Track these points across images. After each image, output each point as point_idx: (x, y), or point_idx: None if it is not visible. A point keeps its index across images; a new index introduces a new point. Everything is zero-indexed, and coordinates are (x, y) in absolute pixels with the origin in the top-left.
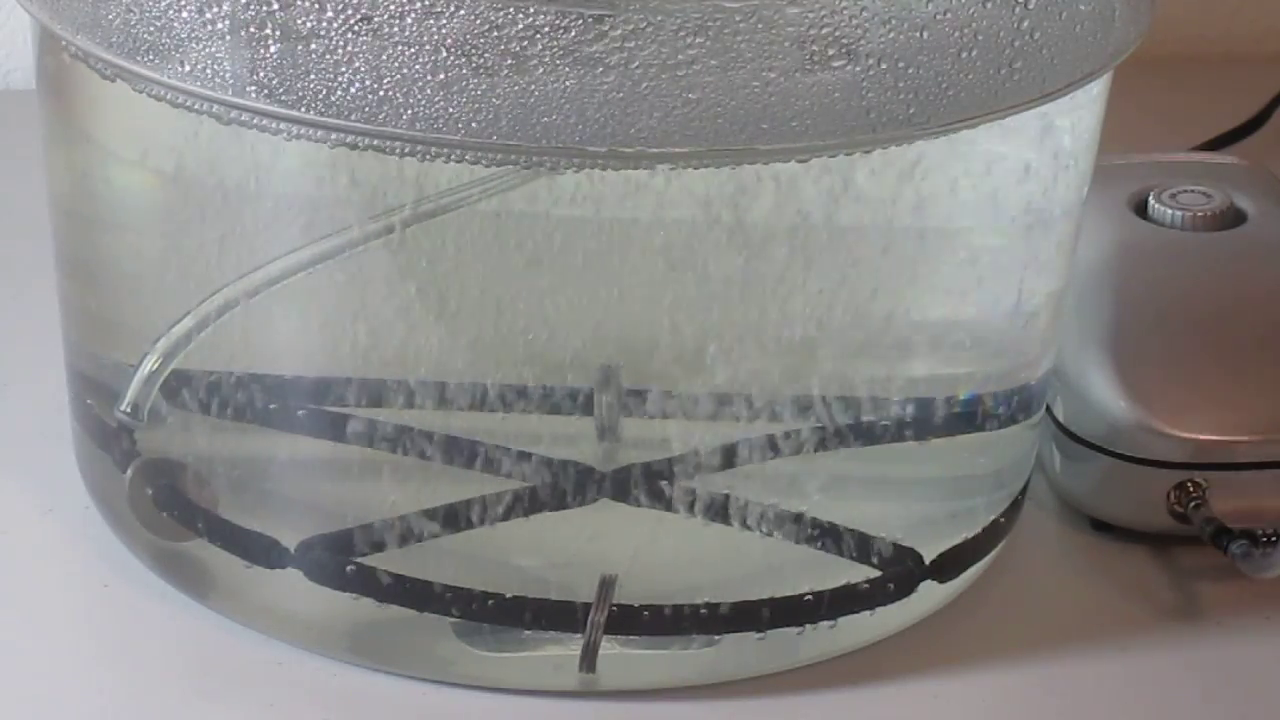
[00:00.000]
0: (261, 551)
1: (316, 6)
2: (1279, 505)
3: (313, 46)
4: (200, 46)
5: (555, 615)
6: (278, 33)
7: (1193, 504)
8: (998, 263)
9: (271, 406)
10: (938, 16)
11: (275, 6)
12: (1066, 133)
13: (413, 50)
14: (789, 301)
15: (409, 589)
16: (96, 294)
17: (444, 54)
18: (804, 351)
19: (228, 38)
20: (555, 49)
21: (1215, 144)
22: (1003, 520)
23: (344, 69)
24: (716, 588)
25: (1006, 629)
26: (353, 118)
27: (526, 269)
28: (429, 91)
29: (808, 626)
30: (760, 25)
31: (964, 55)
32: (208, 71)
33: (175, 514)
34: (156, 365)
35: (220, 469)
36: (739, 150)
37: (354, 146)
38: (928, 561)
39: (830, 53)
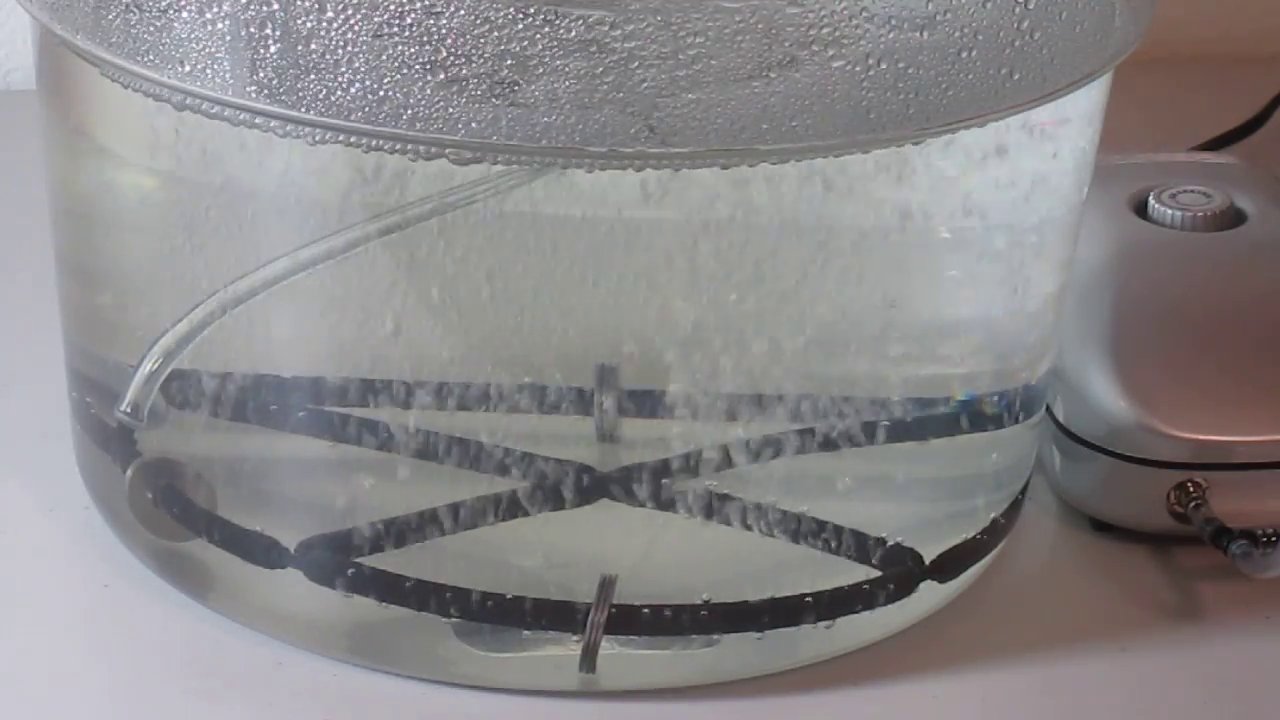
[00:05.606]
0: (261, 551)
1: (316, 6)
2: (1279, 505)
3: (313, 46)
4: (200, 46)
5: (555, 615)
6: (278, 33)
7: (1193, 504)
8: (997, 263)
9: (271, 406)
10: (938, 16)
11: (275, 6)
12: (1066, 133)
13: (413, 50)
14: (789, 302)
15: (409, 589)
16: (96, 294)
17: (444, 54)
18: (804, 351)
19: (228, 38)
20: (555, 49)
21: (1215, 144)
22: (1003, 520)
23: (344, 69)
24: (716, 588)
25: (1006, 629)
26: (353, 118)
27: (526, 269)
28: (429, 91)
29: (807, 626)
30: (760, 25)
31: (964, 55)
32: (208, 71)
33: (175, 514)
34: (156, 365)
35: (220, 469)
36: (739, 150)
37: (354, 146)
38: (928, 561)
39: (830, 53)
